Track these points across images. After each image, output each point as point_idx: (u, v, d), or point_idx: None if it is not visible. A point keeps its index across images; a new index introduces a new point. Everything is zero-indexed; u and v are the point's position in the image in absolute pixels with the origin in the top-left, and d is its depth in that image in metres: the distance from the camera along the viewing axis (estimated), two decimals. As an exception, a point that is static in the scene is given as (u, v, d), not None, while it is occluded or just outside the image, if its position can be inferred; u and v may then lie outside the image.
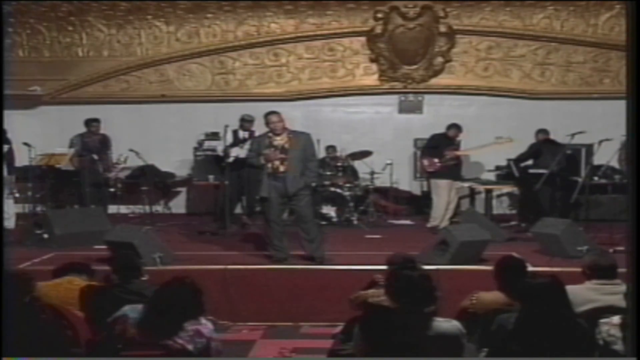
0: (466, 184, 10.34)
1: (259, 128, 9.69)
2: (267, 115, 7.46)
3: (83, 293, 4.71)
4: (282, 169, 7.31)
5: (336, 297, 6.62)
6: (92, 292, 4.69)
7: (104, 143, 10.20)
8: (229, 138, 9.59)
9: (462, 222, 8.47)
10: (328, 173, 10.21)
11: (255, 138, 7.64)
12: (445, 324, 3.68)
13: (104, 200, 9.95)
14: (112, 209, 10.51)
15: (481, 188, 10.40)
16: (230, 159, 9.28)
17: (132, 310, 3.82)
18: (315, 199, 9.11)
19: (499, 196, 11.14)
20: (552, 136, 9.84)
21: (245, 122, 9.82)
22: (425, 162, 9.70)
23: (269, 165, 7.32)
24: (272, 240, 7.53)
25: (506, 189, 10.73)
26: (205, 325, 3.82)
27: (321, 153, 10.30)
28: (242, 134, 9.79)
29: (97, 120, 10.17)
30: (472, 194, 10.66)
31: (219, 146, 9.87)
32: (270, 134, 7.42)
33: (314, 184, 8.25)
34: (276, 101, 11.55)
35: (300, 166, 7.33)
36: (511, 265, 4.77)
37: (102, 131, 10.29)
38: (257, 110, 10.86)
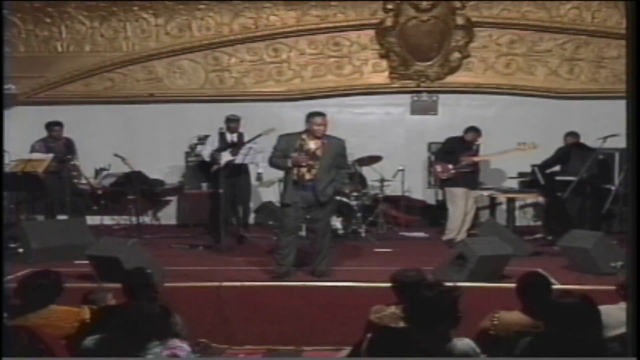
0: (486, 193, 10.32)
1: (248, 129, 9.75)
2: (311, 116, 7.48)
3: (94, 317, 4.72)
4: (308, 177, 7.39)
5: (342, 317, 6.64)
6: (105, 317, 4.66)
7: (69, 147, 10.19)
8: (216, 141, 9.62)
9: (481, 235, 8.45)
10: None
11: (284, 136, 7.61)
12: (458, 343, 3.70)
13: (85, 210, 9.96)
14: (95, 220, 10.51)
15: (502, 197, 10.38)
16: (221, 165, 9.27)
17: (90, 341, 3.86)
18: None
19: (522, 206, 11.12)
20: (581, 140, 9.82)
21: (231, 122, 9.78)
22: (439, 168, 9.70)
23: (294, 170, 7.36)
24: (278, 250, 7.59)
25: (530, 198, 10.70)
26: (181, 347, 3.84)
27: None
28: (229, 137, 9.77)
29: (59, 124, 10.14)
30: (493, 203, 10.64)
31: (204, 150, 9.86)
32: (304, 136, 7.46)
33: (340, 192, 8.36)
34: (276, 101, 11.61)
35: (328, 174, 7.41)
36: (536, 283, 4.76)
37: (77, 134, 10.27)
38: (255, 111, 10.98)
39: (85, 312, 4.84)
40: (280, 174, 9.92)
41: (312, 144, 7.42)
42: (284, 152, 7.45)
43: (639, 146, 3.22)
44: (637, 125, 3.22)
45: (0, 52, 9.41)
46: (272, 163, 7.67)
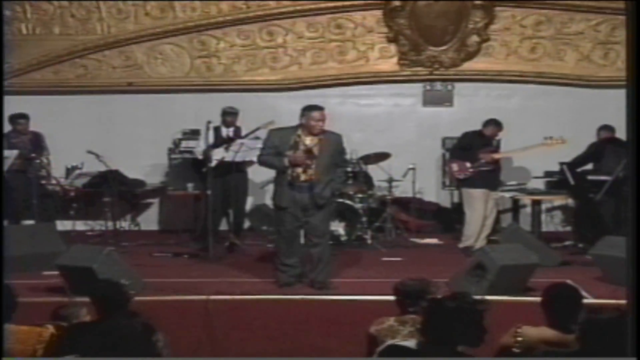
0: (508, 195, 10.32)
1: (246, 123, 9.74)
2: (308, 110, 7.52)
3: (54, 338, 4.72)
4: (303, 177, 7.44)
5: (345, 334, 6.65)
6: (70, 335, 4.67)
7: (37, 143, 10.17)
8: (210, 137, 9.62)
9: (503, 242, 8.45)
10: (335, 180, 10.19)
11: (276, 131, 7.64)
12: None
13: (54, 214, 9.96)
14: (66, 225, 10.51)
15: (527, 199, 10.37)
16: (213, 163, 9.27)
17: None
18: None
19: (549, 210, 11.11)
20: (617, 134, 9.81)
21: (228, 116, 9.81)
22: (455, 166, 9.70)
23: (288, 170, 7.42)
24: (280, 258, 7.65)
25: (559, 200, 10.70)
26: None
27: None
28: (225, 132, 9.79)
29: (24, 117, 10.13)
30: (516, 206, 10.64)
31: (198, 147, 9.86)
32: (299, 132, 7.49)
33: (337, 194, 8.43)
34: (270, 91, 11.59)
35: (326, 174, 7.47)
36: (565, 296, 4.77)
37: (45, 128, 10.27)
38: (247, 102, 10.95)
39: (49, 331, 4.83)
40: (273, 173, 9.99)
41: (308, 141, 7.45)
42: (277, 149, 7.48)
43: (639, 147, 3.45)
44: (637, 125, 3.42)
45: (0, 52, 9.45)
46: (263, 161, 7.70)
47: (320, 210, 7.53)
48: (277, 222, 7.78)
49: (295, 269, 7.67)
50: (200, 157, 9.73)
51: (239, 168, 9.60)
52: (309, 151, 7.42)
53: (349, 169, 10.30)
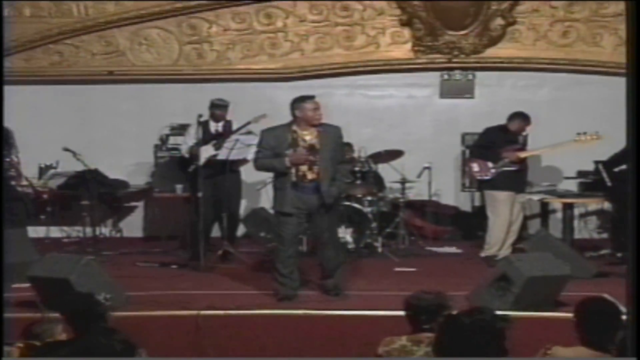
0: (536, 197, 10.29)
1: (242, 117, 9.72)
2: (299, 102, 7.60)
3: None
4: (310, 176, 7.51)
5: (352, 353, 6.62)
6: (43, 355, 4.65)
7: (5, 140, 10.14)
8: (196, 133, 9.61)
9: (530, 251, 8.43)
10: (342, 181, 10.18)
11: (269, 131, 7.67)
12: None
13: (26, 219, 9.93)
14: (40, 231, 10.50)
15: (557, 203, 10.34)
16: (201, 162, 9.25)
17: None
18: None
19: (583, 215, 11.08)
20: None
21: (217, 109, 9.75)
22: (475, 166, 9.68)
23: (292, 170, 7.47)
24: (279, 269, 7.67)
25: (594, 203, 10.67)
26: None
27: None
28: (214, 127, 9.76)
29: None
30: (545, 211, 10.62)
31: (184, 144, 9.85)
32: (294, 127, 7.54)
33: (344, 194, 8.43)
34: (269, 81, 11.58)
35: (330, 171, 7.56)
36: (601, 311, 4.73)
37: (15, 122, 10.23)
38: (243, 93, 10.94)
39: (13, 353, 4.81)
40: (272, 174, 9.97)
41: (307, 136, 7.49)
42: (274, 149, 7.55)
43: (639, 147, 3.56)
44: (637, 127, 3.56)
45: (0, 51, 9.48)
46: (261, 165, 7.77)
47: (329, 211, 7.63)
48: (279, 228, 7.79)
49: (296, 281, 7.70)
50: (186, 155, 9.72)
51: (232, 168, 9.56)
52: (311, 147, 7.44)
53: (357, 168, 10.29)
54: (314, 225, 7.74)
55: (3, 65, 6.73)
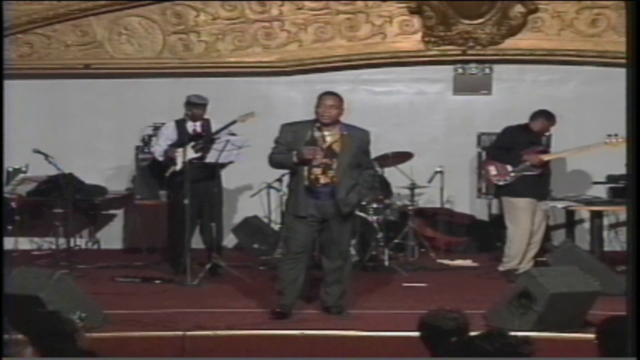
0: (560, 205, 10.27)
1: (226, 116, 9.71)
2: (321, 96, 7.70)
3: None
4: (323, 180, 7.54)
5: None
6: None
7: None
8: (170, 132, 9.67)
9: (555, 264, 8.44)
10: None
11: (289, 126, 7.73)
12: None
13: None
14: (7, 242, 10.48)
15: (585, 211, 10.33)
16: (178, 165, 9.26)
17: None
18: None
19: (613, 225, 11.06)
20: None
21: (195, 107, 9.69)
22: (492, 169, 9.66)
23: (305, 171, 7.49)
24: (280, 275, 7.78)
25: (625, 212, 10.64)
26: None
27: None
28: (191, 126, 9.75)
29: None
30: (571, 220, 10.61)
31: (156, 145, 9.83)
32: (318, 124, 7.63)
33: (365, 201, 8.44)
34: (264, 75, 11.58)
35: (349, 177, 7.62)
36: (625, 331, 4.73)
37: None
38: (234, 89, 10.96)
39: None
40: (266, 178, 9.98)
41: (328, 136, 7.55)
42: (290, 145, 7.63)
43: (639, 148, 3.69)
44: (637, 129, 3.73)
45: (0, 51, 9.51)
46: (272, 160, 7.83)
47: (344, 222, 7.71)
48: (288, 233, 7.89)
49: (295, 292, 7.73)
50: (160, 158, 9.74)
51: (216, 172, 9.56)
52: (329, 148, 7.50)
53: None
54: (326, 234, 7.76)
55: (3, 66, 6.81)
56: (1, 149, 8.53)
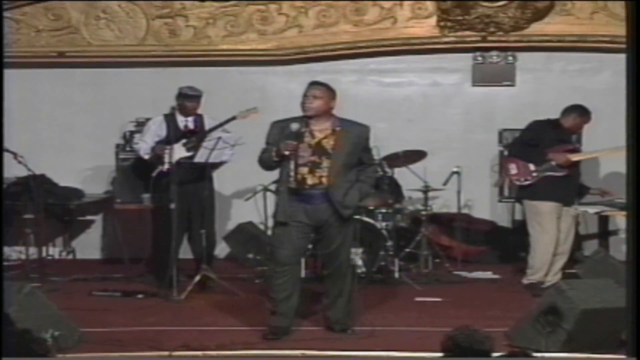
0: (592, 210, 10.24)
1: (221, 109, 9.69)
2: (308, 85, 7.66)
3: None
4: (311, 180, 7.47)
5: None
6: None
7: None
8: (158, 128, 9.65)
9: (586, 276, 8.42)
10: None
11: (277, 122, 7.66)
12: None
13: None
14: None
15: (620, 216, 10.31)
16: (165, 165, 9.23)
17: None
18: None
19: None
20: None
21: (188, 99, 9.69)
22: (513, 167, 9.62)
23: (291, 171, 7.41)
24: (271, 294, 7.66)
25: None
26: None
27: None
28: (182, 121, 9.73)
29: None
30: (604, 227, 10.58)
31: (142, 142, 9.81)
32: (308, 120, 7.59)
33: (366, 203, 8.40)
34: (259, 64, 11.58)
35: (345, 177, 7.54)
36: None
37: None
38: (227, 79, 10.95)
39: None
40: (262, 180, 9.95)
41: (316, 132, 7.50)
42: (277, 143, 7.53)
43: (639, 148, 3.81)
44: (637, 131, 3.94)
45: (0, 52, 9.54)
46: (260, 161, 7.77)
47: (342, 227, 7.61)
48: (274, 244, 7.78)
49: (291, 310, 7.66)
50: (145, 156, 9.73)
51: (207, 173, 9.53)
52: (318, 145, 7.43)
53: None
54: (322, 242, 7.73)
55: (3, 66, 6.86)
56: (1, 150, 8.56)
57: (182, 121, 9.73)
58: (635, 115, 4.02)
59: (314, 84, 7.63)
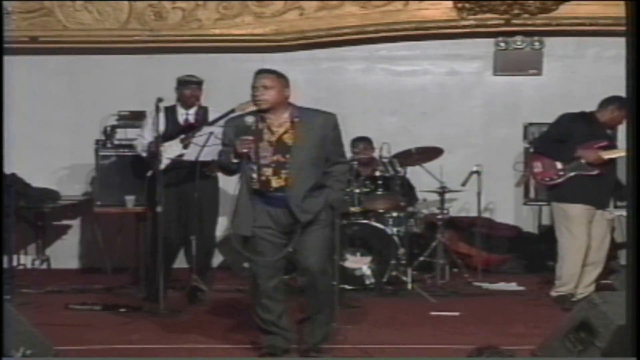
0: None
1: (212, 100, 9.71)
2: (255, 75, 7.50)
3: None
4: (276, 183, 7.33)
5: None
6: None
7: None
8: (161, 123, 9.60)
9: (622, 289, 8.40)
10: (357, 191, 10.23)
11: (232, 120, 7.62)
12: None
13: None
14: None
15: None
16: (163, 164, 9.24)
17: None
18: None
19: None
20: None
21: (187, 88, 9.73)
22: (538, 165, 9.58)
23: (254, 172, 7.31)
24: (259, 314, 7.53)
25: None
26: None
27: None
28: (182, 115, 9.75)
29: None
30: (641, 232, 10.59)
31: (140, 139, 9.82)
32: (265, 115, 7.43)
33: (338, 207, 8.30)
34: (256, 51, 11.61)
35: (307, 176, 7.37)
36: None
37: None
38: (219, 68, 10.97)
39: None
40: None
41: (275, 126, 7.39)
42: (233, 143, 7.43)
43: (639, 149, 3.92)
44: (637, 131, 4.09)
45: (0, 52, 9.60)
46: (219, 165, 7.79)
47: (311, 233, 7.40)
48: (250, 255, 7.59)
49: (287, 329, 7.56)
50: (143, 154, 9.76)
51: (204, 172, 9.54)
52: (279, 141, 7.33)
53: (378, 173, 10.30)
54: (297, 249, 7.46)
55: (3, 67, 6.92)
56: (1, 148, 8.61)
57: (182, 114, 9.74)
58: (635, 115, 4.07)
59: (261, 72, 7.46)
